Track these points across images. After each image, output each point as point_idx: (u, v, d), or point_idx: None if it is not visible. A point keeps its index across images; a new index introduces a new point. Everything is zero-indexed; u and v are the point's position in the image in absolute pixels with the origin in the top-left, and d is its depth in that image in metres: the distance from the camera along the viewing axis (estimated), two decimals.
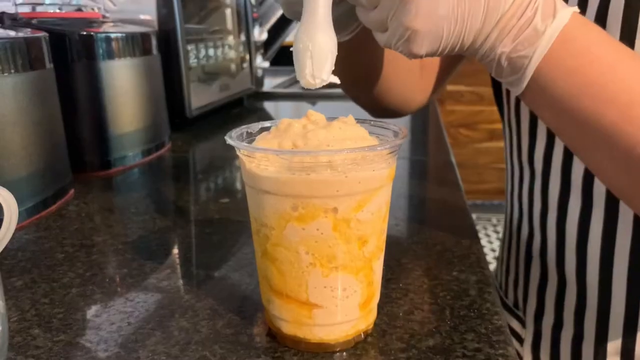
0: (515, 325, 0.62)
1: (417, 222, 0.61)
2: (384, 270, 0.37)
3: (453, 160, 0.81)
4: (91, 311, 0.41)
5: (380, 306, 0.38)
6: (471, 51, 0.37)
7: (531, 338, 0.60)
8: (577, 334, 0.55)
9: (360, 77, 0.55)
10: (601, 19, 0.43)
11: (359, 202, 0.32)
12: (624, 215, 0.48)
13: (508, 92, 0.57)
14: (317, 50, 0.34)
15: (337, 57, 0.36)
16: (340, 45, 0.38)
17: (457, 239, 0.52)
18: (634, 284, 0.50)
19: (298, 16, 0.40)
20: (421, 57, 0.36)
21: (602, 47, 0.35)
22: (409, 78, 0.58)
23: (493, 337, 0.36)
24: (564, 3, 0.35)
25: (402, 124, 0.36)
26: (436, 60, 0.60)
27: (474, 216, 0.59)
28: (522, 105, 0.55)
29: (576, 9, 0.35)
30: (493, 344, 0.35)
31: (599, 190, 0.49)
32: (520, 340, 0.61)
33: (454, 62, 0.61)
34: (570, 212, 0.52)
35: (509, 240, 0.65)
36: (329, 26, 0.35)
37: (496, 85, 0.60)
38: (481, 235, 2.66)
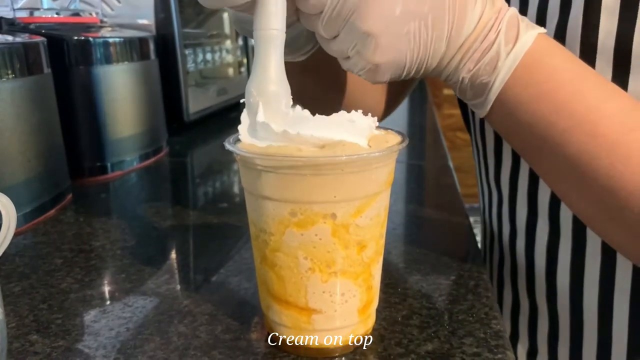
0: None
1: (415, 226, 0.61)
2: (382, 275, 0.38)
3: (450, 164, 0.81)
4: (90, 316, 0.41)
5: (378, 311, 0.39)
6: (435, 73, 0.36)
7: None
8: None
9: (320, 94, 0.53)
10: (560, 40, 0.41)
11: (358, 208, 0.33)
12: (591, 244, 0.47)
13: (473, 112, 0.56)
14: (267, 103, 0.33)
15: (297, 75, 0.35)
16: (297, 65, 0.37)
17: (455, 244, 0.52)
18: (604, 315, 0.48)
19: (249, 34, 0.39)
20: (385, 82, 0.36)
21: (566, 73, 0.34)
22: (372, 93, 0.57)
23: (492, 341, 0.36)
24: (530, 24, 0.35)
25: (399, 128, 0.36)
26: None
27: (470, 219, 0.59)
28: (487, 125, 0.53)
29: (542, 30, 0.35)
30: (492, 348, 0.35)
31: (566, 217, 0.48)
32: None
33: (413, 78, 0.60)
34: (538, 238, 0.51)
35: (483, 260, 0.64)
36: (281, 76, 0.33)
37: (463, 105, 0.59)
38: (478, 238, 2.66)
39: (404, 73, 0.35)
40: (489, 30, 0.33)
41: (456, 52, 0.34)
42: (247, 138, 0.34)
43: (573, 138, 0.34)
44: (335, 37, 0.34)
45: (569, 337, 0.51)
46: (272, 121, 0.33)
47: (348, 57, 0.35)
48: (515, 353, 0.57)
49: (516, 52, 0.33)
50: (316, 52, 0.42)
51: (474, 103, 0.37)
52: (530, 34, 0.34)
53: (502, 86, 0.34)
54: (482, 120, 0.54)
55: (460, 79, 0.35)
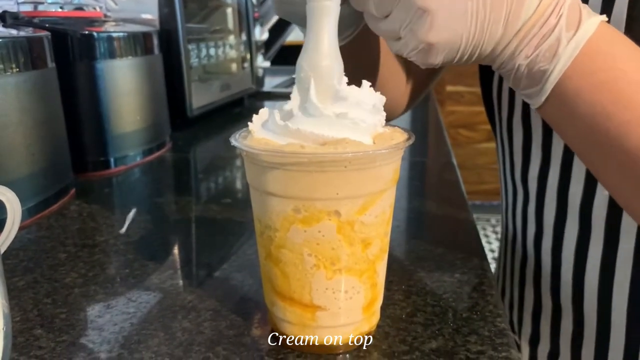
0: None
1: (418, 223, 0.61)
2: (386, 272, 0.37)
3: (454, 161, 0.81)
4: (94, 311, 0.41)
5: (383, 308, 0.38)
6: (489, 60, 0.35)
7: None
8: None
9: (352, 83, 0.53)
10: None
11: (363, 205, 0.33)
12: (624, 244, 0.46)
13: (500, 107, 0.55)
14: (319, 78, 0.32)
15: None
16: None
17: (459, 241, 0.52)
18: (634, 317, 0.47)
19: (291, 17, 0.38)
20: (436, 66, 0.35)
21: (629, 62, 0.33)
22: (398, 84, 0.56)
23: (496, 339, 0.36)
24: (590, 11, 0.33)
25: (402, 125, 0.36)
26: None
27: (474, 216, 0.59)
28: (515, 121, 0.53)
29: (604, 17, 0.33)
30: (496, 346, 0.35)
31: (598, 217, 0.46)
32: None
33: (439, 69, 0.58)
34: (567, 238, 0.50)
35: (504, 259, 0.62)
36: (334, 51, 0.33)
37: (487, 100, 0.58)
38: (480, 235, 2.66)
39: (458, 56, 0.34)
40: (550, 15, 0.32)
41: (513, 37, 0.33)
42: (259, 132, 0.34)
43: (632, 131, 0.32)
44: (386, 16, 0.34)
45: (595, 340, 0.50)
46: (323, 98, 0.32)
47: (399, 38, 0.34)
48: (535, 354, 0.57)
49: (578, 38, 0.32)
50: (353, 39, 0.42)
51: (528, 92, 0.35)
52: (593, 20, 0.32)
53: (561, 74, 0.33)
54: (509, 117, 0.53)
55: (516, 66, 0.34)
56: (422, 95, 0.62)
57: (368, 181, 0.32)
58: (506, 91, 0.53)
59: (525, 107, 0.51)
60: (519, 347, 0.59)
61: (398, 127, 0.36)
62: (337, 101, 0.32)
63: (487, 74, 0.57)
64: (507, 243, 0.61)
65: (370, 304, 0.35)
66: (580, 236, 0.49)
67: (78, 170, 0.71)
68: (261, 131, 0.34)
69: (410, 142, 0.34)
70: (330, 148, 0.31)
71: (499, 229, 2.76)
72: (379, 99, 0.33)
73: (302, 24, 0.40)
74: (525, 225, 0.55)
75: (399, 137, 0.34)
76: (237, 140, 0.34)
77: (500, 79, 0.54)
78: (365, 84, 0.33)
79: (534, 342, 0.57)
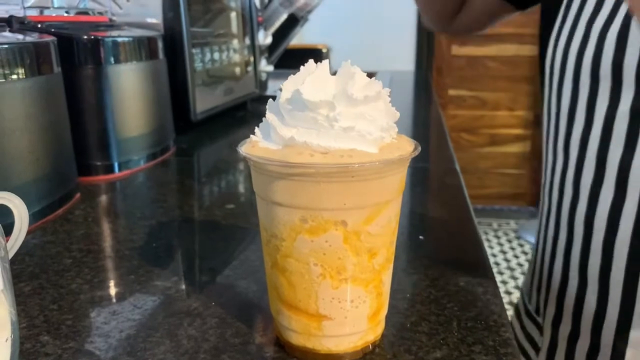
0: (534, 332, 0.61)
1: (422, 231, 0.61)
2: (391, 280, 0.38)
3: (457, 167, 0.81)
4: (100, 318, 0.41)
5: (387, 317, 0.39)
6: None
7: (547, 346, 0.59)
8: (593, 344, 0.53)
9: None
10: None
11: (369, 216, 0.33)
12: None
13: (552, 72, 0.57)
14: None
15: None
16: None
17: (463, 249, 0.52)
18: None
19: None
20: None
21: None
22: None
23: (501, 349, 0.36)
24: None
25: (404, 130, 0.36)
26: None
27: (476, 221, 0.59)
28: (565, 85, 0.54)
29: None
30: (501, 356, 0.35)
31: (635, 180, 0.47)
32: (537, 349, 0.60)
33: None
34: (601, 203, 0.51)
35: (537, 242, 0.64)
36: None
37: (542, 69, 0.60)
38: (483, 237, 2.66)
39: None
40: None
41: None
42: (261, 142, 0.34)
43: None
44: None
45: (616, 321, 0.51)
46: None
47: None
48: (556, 335, 0.58)
49: None
50: None
51: None
52: None
53: None
54: (560, 81, 0.55)
55: None
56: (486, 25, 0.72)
57: (375, 191, 0.33)
58: (559, 55, 0.55)
59: (577, 68, 0.52)
60: (541, 331, 0.60)
61: (404, 136, 0.37)
62: (353, 113, 0.32)
63: (546, 37, 0.59)
64: (542, 223, 0.62)
65: (376, 314, 0.36)
66: (614, 201, 0.50)
67: (82, 175, 0.71)
68: (266, 141, 0.34)
69: (417, 152, 0.34)
70: (337, 159, 0.31)
71: (500, 233, 2.77)
72: (392, 116, 0.34)
73: None
74: (562, 194, 0.56)
75: (405, 147, 0.34)
76: (244, 149, 0.34)
77: (555, 43, 0.56)
78: (385, 95, 0.33)
79: (556, 323, 0.58)
